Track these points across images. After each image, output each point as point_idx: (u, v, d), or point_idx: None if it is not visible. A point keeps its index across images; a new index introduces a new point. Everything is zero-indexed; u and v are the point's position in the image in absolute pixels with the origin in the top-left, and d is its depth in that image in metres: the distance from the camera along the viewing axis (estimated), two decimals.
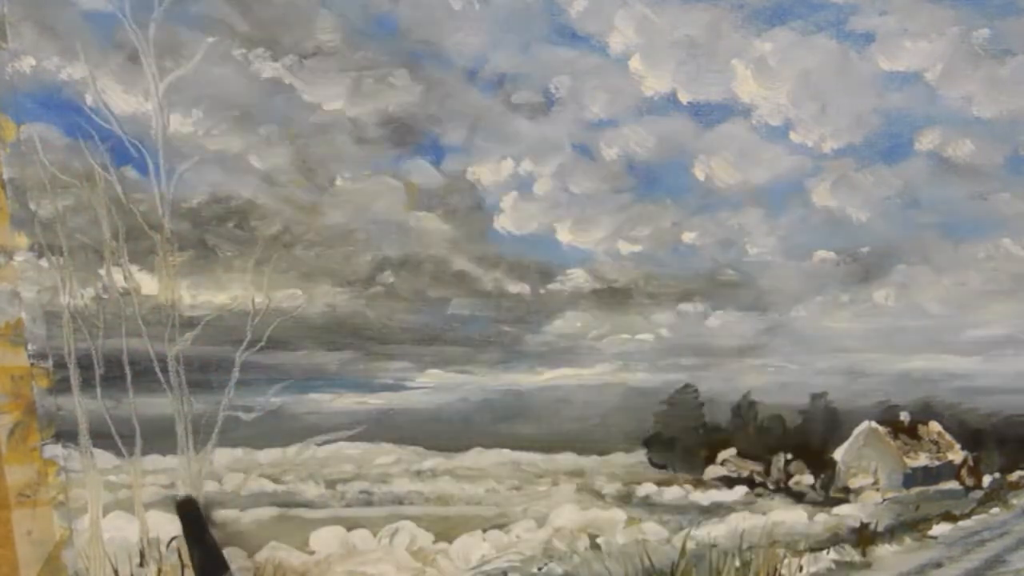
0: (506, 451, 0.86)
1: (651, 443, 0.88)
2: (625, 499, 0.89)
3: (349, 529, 0.85)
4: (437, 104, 0.75)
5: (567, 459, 0.87)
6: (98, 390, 0.78)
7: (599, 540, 0.89)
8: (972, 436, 0.93)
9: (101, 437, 0.79)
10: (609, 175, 0.80)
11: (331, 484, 0.85)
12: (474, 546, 0.87)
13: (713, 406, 0.88)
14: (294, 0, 0.71)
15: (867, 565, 0.93)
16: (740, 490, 0.91)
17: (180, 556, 0.83)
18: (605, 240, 0.82)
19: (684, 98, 0.78)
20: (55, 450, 0.78)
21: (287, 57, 0.73)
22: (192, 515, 0.76)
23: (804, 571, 0.92)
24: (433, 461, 0.86)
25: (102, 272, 0.76)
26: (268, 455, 0.83)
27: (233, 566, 0.73)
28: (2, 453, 0.76)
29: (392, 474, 0.85)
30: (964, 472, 0.95)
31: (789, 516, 0.92)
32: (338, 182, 0.77)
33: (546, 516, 0.88)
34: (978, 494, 0.95)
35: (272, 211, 0.77)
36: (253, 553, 0.83)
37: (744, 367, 0.87)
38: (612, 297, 0.83)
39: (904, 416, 0.91)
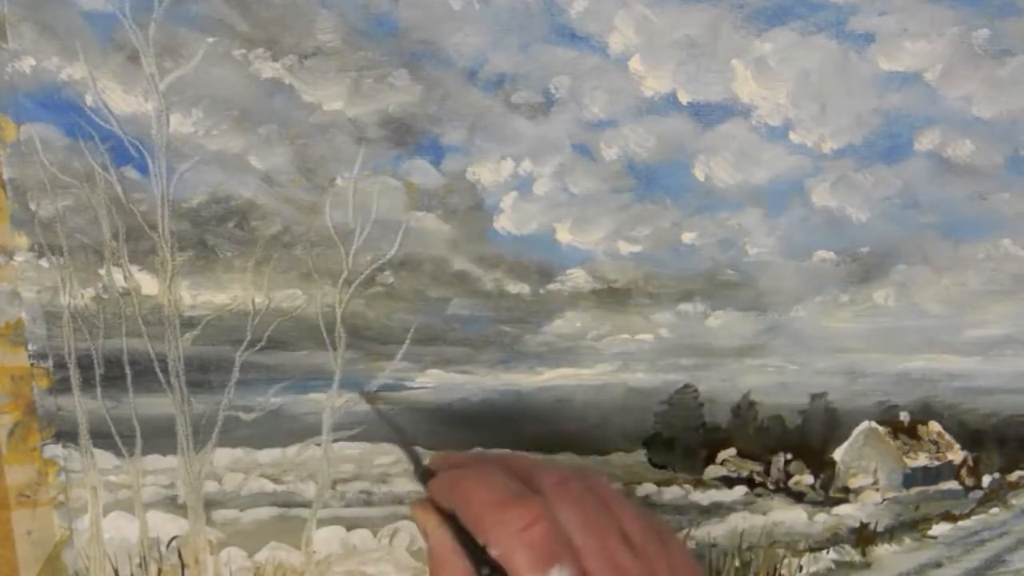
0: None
1: (651, 443, 0.88)
2: None
3: (349, 529, 0.85)
4: (437, 104, 0.75)
5: (567, 459, 0.87)
6: (98, 390, 0.78)
7: None
8: (972, 436, 0.93)
9: (101, 437, 0.79)
10: (609, 175, 0.80)
11: (331, 484, 0.85)
12: None
13: (713, 406, 0.88)
14: (294, 0, 0.71)
15: (867, 565, 0.92)
16: (740, 490, 0.91)
17: (180, 556, 0.83)
18: (605, 240, 0.81)
19: (684, 98, 0.78)
20: (55, 450, 0.78)
21: (287, 57, 0.73)
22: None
23: (804, 571, 0.92)
24: None
25: (102, 272, 0.76)
26: (268, 455, 0.83)
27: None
28: (2, 453, 0.76)
29: (392, 474, 0.85)
30: (964, 472, 0.95)
31: (789, 516, 0.92)
32: (338, 182, 0.77)
33: None
34: (978, 494, 0.95)
35: (272, 211, 0.77)
36: (253, 553, 0.83)
37: (744, 367, 0.87)
38: (612, 297, 0.83)
39: (904, 416, 0.91)
